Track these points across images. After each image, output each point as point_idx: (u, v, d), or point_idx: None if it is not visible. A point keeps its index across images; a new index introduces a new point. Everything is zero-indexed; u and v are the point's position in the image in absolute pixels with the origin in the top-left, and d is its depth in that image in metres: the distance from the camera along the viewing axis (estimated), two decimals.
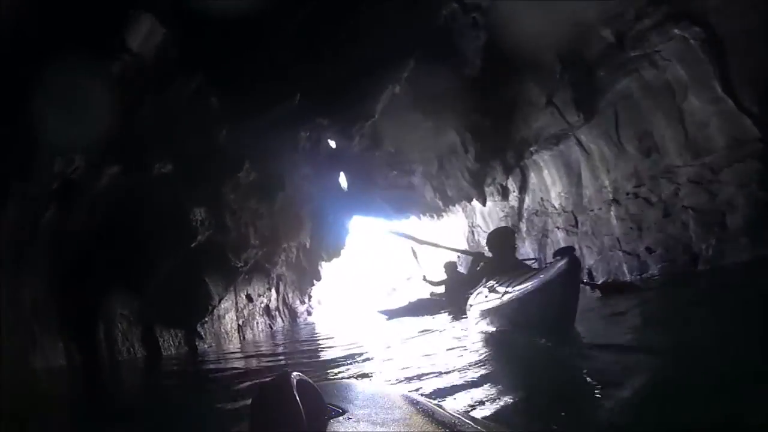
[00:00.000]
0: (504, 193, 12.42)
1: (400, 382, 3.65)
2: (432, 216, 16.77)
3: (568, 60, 8.26)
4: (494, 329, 5.47)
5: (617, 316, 5.31)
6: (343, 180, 15.27)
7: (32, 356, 6.12)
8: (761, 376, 2.35)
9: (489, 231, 14.09)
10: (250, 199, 9.46)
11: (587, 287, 7.69)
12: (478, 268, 6.79)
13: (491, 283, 5.65)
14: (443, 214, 16.40)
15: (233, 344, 9.89)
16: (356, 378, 4.13)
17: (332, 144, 12.98)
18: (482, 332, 5.78)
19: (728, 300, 4.89)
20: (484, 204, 12.72)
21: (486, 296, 5.65)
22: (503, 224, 12.72)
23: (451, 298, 11.46)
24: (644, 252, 8.20)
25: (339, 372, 4.69)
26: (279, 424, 0.84)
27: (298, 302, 16.88)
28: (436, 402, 1.23)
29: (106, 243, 6.92)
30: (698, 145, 7.25)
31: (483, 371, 3.63)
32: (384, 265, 34.02)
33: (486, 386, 3.08)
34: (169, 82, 7.00)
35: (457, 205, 15.18)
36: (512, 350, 4.59)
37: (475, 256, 7.38)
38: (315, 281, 17.66)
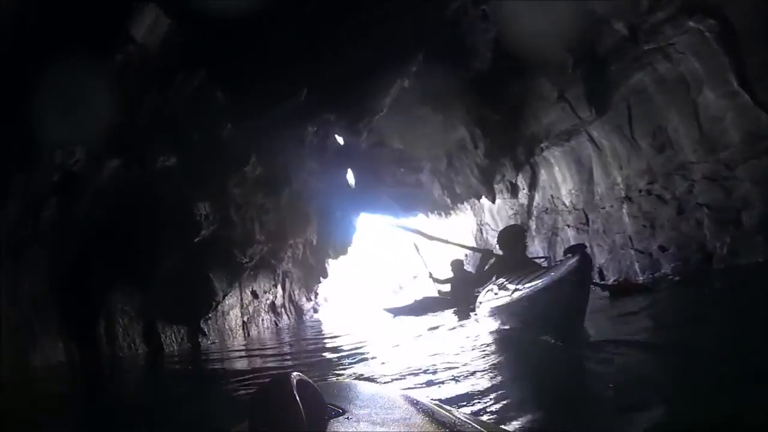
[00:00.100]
0: (513, 191, 12.26)
1: (406, 383, 3.56)
2: (440, 214, 16.66)
3: (580, 54, 8.10)
4: (503, 327, 5.42)
5: (627, 317, 5.21)
6: (350, 177, 15.17)
7: (32, 353, 6.05)
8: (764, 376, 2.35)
9: (498, 229, 14.20)
10: (256, 193, 9.34)
11: (597, 287, 7.59)
12: (488, 266, 6.69)
13: (501, 280, 5.61)
14: (451, 212, 16.30)
15: (237, 341, 9.80)
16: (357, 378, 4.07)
17: (340, 140, 12.90)
18: (490, 330, 5.72)
19: (741, 301, 4.79)
20: (493, 201, 12.58)
21: (495, 294, 5.61)
22: (512, 222, 12.59)
23: (457, 297, 11.35)
24: (657, 251, 8.02)
25: (345, 373, 4.61)
26: (279, 424, 0.83)
27: (304, 299, 16.78)
28: (436, 402, 1.20)
29: (108, 237, 6.82)
30: (713, 141, 7.07)
31: (488, 372, 3.58)
32: (391, 264, 33.84)
33: (489, 386, 3.05)
34: (173, 75, 6.93)
35: (465, 203, 15.07)
36: (519, 349, 4.54)
37: (484, 253, 7.25)
38: (322, 278, 17.55)
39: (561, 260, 4.31)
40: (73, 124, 5.66)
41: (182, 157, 7.22)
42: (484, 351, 4.57)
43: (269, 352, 7.81)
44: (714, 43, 6.66)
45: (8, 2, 5.32)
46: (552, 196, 11.13)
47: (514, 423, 2.29)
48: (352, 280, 31.66)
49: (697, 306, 5.21)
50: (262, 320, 12.30)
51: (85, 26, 5.64)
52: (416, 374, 3.81)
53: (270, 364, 6.44)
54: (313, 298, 18.16)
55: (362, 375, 4.33)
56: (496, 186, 12.13)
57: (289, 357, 7.20)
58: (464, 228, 17.00)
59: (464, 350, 4.76)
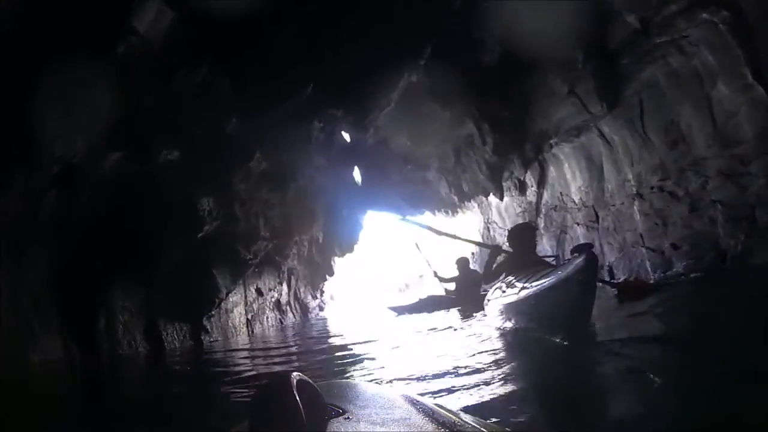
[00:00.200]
0: (521, 188, 12.12)
1: (407, 383, 3.56)
2: (447, 212, 16.53)
3: (591, 48, 7.94)
4: (510, 325, 5.37)
5: (635, 317, 5.16)
6: (357, 174, 15.09)
7: (31, 349, 5.96)
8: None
9: (505, 227, 14.12)
10: (261, 189, 9.24)
11: (606, 286, 7.46)
12: (497, 263, 6.69)
13: (510, 278, 5.63)
14: (458, 210, 16.18)
15: (241, 339, 9.71)
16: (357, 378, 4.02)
17: (346, 137, 12.81)
18: (496, 329, 5.70)
19: (753, 301, 4.63)
20: (501, 198, 12.43)
21: (503, 291, 5.62)
22: (520, 220, 12.49)
23: (463, 295, 11.29)
24: (669, 249, 7.84)
25: (348, 372, 4.60)
26: (279, 424, 0.84)
27: (309, 297, 16.70)
28: (436, 402, 1.21)
29: (109, 233, 6.72)
30: (727, 136, 6.88)
31: (489, 371, 3.56)
32: (397, 262, 33.81)
33: (490, 386, 3.08)
34: (177, 68, 6.86)
35: (472, 201, 14.96)
36: (524, 349, 4.54)
37: (493, 249, 7.33)
38: (328, 276, 17.48)
39: (568, 259, 4.27)
40: (74, 117, 5.65)
41: (185, 151, 7.14)
42: (486, 350, 4.53)
43: (273, 352, 7.64)
44: (728, 36, 6.47)
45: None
46: (561, 193, 10.96)
47: (515, 423, 2.29)
48: (359, 279, 31.74)
49: (709, 306, 5.09)
50: (267, 318, 12.21)
51: (87, 18, 5.59)
52: (418, 374, 3.78)
53: (273, 362, 6.35)
54: (318, 295, 18.10)
55: (366, 375, 4.27)
56: (504, 183, 11.97)
57: (293, 356, 7.09)
58: (471, 226, 16.89)
59: (466, 350, 4.72)
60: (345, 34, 8.14)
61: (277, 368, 5.56)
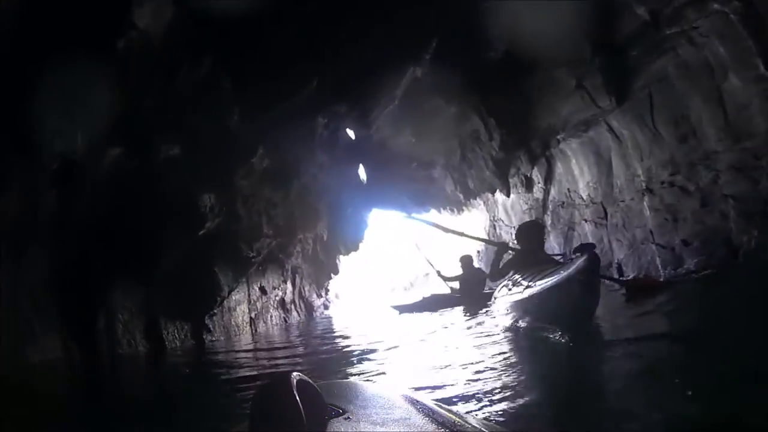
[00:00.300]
0: (528, 185, 11.97)
1: (408, 384, 3.46)
2: (452, 210, 16.44)
3: (599, 41, 7.78)
4: (515, 324, 5.36)
5: (642, 316, 5.10)
6: (362, 172, 15.05)
7: (30, 349, 5.86)
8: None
9: (512, 225, 14.01)
10: (264, 186, 9.14)
11: (615, 284, 7.35)
12: (504, 262, 6.70)
13: (516, 276, 5.68)
14: (464, 208, 16.10)
15: (244, 338, 9.60)
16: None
17: (351, 134, 12.74)
18: (499, 328, 5.70)
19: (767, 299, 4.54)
20: (508, 195, 12.28)
21: (509, 290, 5.68)
22: (527, 217, 12.47)
23: (466, 294, 11.21)
24: (679, 245, 7.66)
25: (352, 372, 4.58)
26: (279, 424, 0.84)
27: (314, 296, 16.63)
28: (436, 402, 1.22)
29: (109, 230, 6.61)
30: (739, 129, 6.67)
31: (490, 371, 3.56)
32: (403, 261, 33.70)
33: (490, 386, 3.07)
34: (179, 63, 6.80)
35: (478, 198, 14.88)
36: (526, 348, 4.55)
37: (499, 246, 7.33)
38: (332, 275, 17.44)
39: (571, 259, 4.34)
40: (74, 114, 5.61)
41: (186, 148, 7.06)
42: (489, 350, 4.52)
43: (278, 354, 7.55)
44: (739, 26, 6.26)
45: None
46: (568, 189, 10.80)
47: (515, 423, 2.31)
48: (364, 277, 31.72)
49: (718, 304, 4.99)
50: (271, 317, 12.11)
51: (87, 13, 5.52)
52: (420, 375, 3.82)
53: (275, 363, 6.26)
54: (323, 294, 18.03)
55: (370, 376, 4.20)
56: (510, 180, 11.81)
57: (296, 357, 6.99)
58: (477, 224, 16.79)
59: (468, 349, 4.73)
60: (348, 29, 8.07)
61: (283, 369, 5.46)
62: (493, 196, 13.93)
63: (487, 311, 8.09)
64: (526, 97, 9.16)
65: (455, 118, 10.87)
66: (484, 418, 1.51)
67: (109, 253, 6.66)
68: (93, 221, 6.49)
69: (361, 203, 15.77)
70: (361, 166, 14.69)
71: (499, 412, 2.49)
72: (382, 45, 8.39)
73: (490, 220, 16.03)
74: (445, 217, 17.07)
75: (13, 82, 5.22)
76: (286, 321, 13.11)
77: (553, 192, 11.54)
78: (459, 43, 8.71)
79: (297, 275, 14.46)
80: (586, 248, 4.11)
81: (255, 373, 5.49)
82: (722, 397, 2.24)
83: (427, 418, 1.02)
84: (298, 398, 0.85)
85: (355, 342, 6.86)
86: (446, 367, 3.92)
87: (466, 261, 12.40)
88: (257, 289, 11.35)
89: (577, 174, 10.34)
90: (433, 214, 17.09)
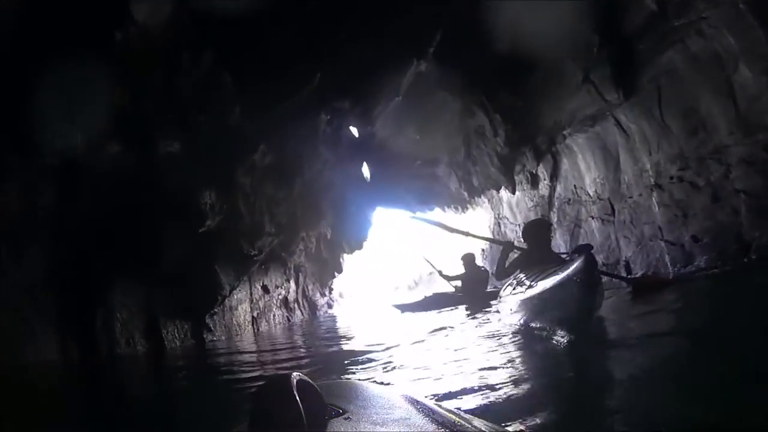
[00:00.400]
0: (533, 181, 11.83)
1: (409, 385, 3.51)
2: (457, 208, 16.36)
3: (606, 33, 7.63)
4: (516, 324, 5.34)
5: (649, 315, 4.98)
6: (365, 170, 14.99)
7: (27, 349, 5.78)
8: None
9: (517, 223, 13.89)
10: (266, 183, 9.04)
11: (623, 282, 7.24)
12: (511, 261, 6.61)
13: (521, 275, 5.69)
14: (468, 206, 16.01)
15: (246, 337, 9.48)
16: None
17: (354, 132, 12.67)
18: (500, 328, 5.68)
19: None
20: (513, 192, 12.14)
21: (514, 289, 5.70)
22: (532, 215, 12.35)
23: (469, 293, 11.11)
24: (689, 241, 7.49)
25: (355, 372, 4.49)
26: (279, 424, 0.84)
27: (318, 294, 16.56)
28: (436, 402, 1.22)
29: (109, 228, 6.54)
30: (750, 121, 6.52)
31: (490, 372, 3.53)
32: (407, 259, 33.68)
33: (490, 386, 3.04)
34: (179, 58, 6.77)
35: (482, 196, 14.76)
36: (525, 348, 4.49)
37: (505, 245, 7.17)
38: (336, 273, 17.37)
39: (569, 260, 4.38)
40: (73, 110, 5.57)
41: (186, 144, 6.98)
42: (487, 350, 4.50)
43: (282, 355, 7.43)
44: (748, 16, 6.13)
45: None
46: (575, 185, 10.64)
47: (515, 423, 2.28)
48: (368, 276, 31.75)
49: (727, 302, 4.85)
50: (274, 316, 12.01)
51: (86, 7, 5.50)
52: (422, 376, 3.77)
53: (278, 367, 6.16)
54: (327, 293, 17.97)
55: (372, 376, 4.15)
56: (515, 177, 11.70)
57: (297, 358, 6.87)
58: (482, 222, 16.69)
59: (467, 350, 4.69)
60: (349, 24, 7.99)
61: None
62: (498, 193, 13.80)
63: (489, 310, 8.06)
64: (532, 91, 9.01)
65: (460, 113, 10.73)
66: (484, 418, 1.43)
67: (109, 251, 6.58)
68: (92, 219, 6.43)
69: (365, 201, 15.75)
70: (364, 164, 14.65)
71: (499, 412, 2.48)
72: (386, 40, 8.30)
73: (495, 218, 15.90)
74: (449, 216, 17.02)
75: (12, 81, 5.23)
76: (289, 320, 13.01)
77: (559, 188, 11.38)
78: (463, 37, 8.59)
79: (300, 274, 14.38)
80: (583, 249, 4.17)
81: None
82: (723, 398, 2.22)
83: (427, 418, 1.02)
84: (298, 398, 0.85)
85: (357, 343, 6.77)
86: (445, 368, 3.88)
87: (468, 259, 12.28)
88: (259, 287, 11.25)
89: (583, 170, 10.17)
90: (437, 213, 17.06)
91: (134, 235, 6.76)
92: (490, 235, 15.99)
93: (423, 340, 5.97)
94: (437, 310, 10.28)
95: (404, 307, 11.89)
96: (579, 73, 8.19)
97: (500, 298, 6.60)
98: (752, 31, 6.17)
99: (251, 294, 10.69)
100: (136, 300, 7.26)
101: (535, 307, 4.84)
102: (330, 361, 5.54)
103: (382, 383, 3.28)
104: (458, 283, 12.25)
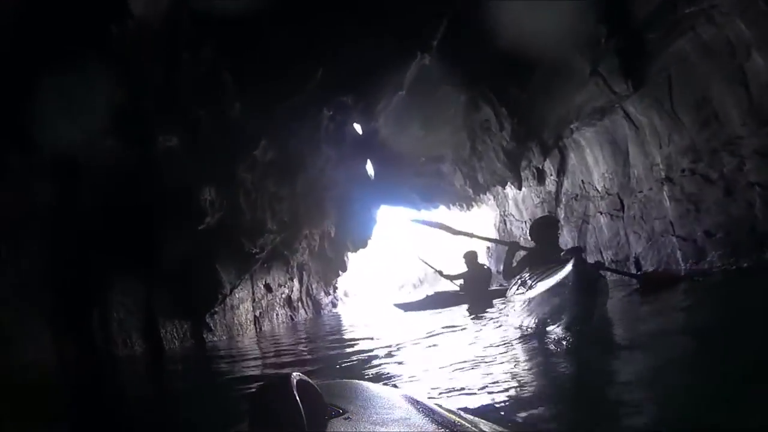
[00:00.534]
0: (540, 177, 11.66)
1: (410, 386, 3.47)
2: (461, 206, 16.21)
3: (615, 22, 7.44)
4: (519, 324, 5.31)
5: (656, 316, 4.91)
6: (369, 168, 14.90)
7: (23, 348, 5.65)
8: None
9: (523, 220, 13.73)
10: (267, 180, 8.89)
11: (633, 279, 7.09)
12: (519, 260, 6.45)
13: (526, 275, 5.65)
14: (473, 203, 15.87)
15: (247, 337, 9.34)
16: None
17: (358, 129, 12.56)
18: (501, 328, 5.71)
19: None
20: (519, 188, 11.96)
21: (517, 289, 5.72)
22: (539, 211, 12.22)
23: (471, 291, 10.96)
24: (702, 236, 7.30)
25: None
26: (279, 424, 0.85)
27: (322, 293, 16.46)
28: (436, 402, 1.21)
29: (107, 224, 6.42)
30: (764, 111, 6.33)
31: (489, 372, 3.51)
32: (412, 257, 33.60)
33: (489, 386, 3.02)
34: (179, 52, 6.71)
35: (488, 193, 14.60)
36: (525, 349, 4.43)
37: (510, 245, 7.08)
38: (341, 272, 17.26)
39: (562, 262, 4.33)
40: (72, 107, 5.50)
41: (186, 138, 6.87)
42: (488, 351, 4.44)
43: (287, 358, 7.31)
44: (761, 2, 5.92)
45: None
46: (582, 181, 10.45)
47: (515, 423, 2.28)
48: (374, 274, 31.71)
49: (739, 301, 4.70)
50: (277, 315, 11.88)
51: (81, 1, 5.43)
52: (420, 376, 3.77)
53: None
54: (331, 292, 17.86)
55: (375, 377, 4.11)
56: (521, 173, 11.51)
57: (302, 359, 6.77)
58: (487, 220, 16.56)
59: (467, 350, 4.66)
60: (354, 16, 7.84)
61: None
62: (504, 189, 13.64)
63: (492, 310, 7.91)
64: (539, 84, 8.82)
65: (465, 107, 10.57)
66: (484, 418, 1.34)
67: (107, 249, 6.46)
68: (91, 217, 6.34)
69: (369, 199, 15.66)
70: (368, 161, 14.55)
71: (499, 412, 2.46)
72: (389, 33, 8.17)
73: (501, 215, 15.74)
74: (454, 214, 16.90)
75: (9, 78, 5.17)
76: (292, 319, 12.89)
77: (566, 184, 11.20)
78: (467, 29, 8.42)
79: (304, 272, 14.26)
80: (573, 252, 4.24)
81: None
82: (724, 398, 2.21)
83: (427, 418, 1.02)
84: (298, 398, 0.85)
85: (358, 343, 6.67)
86: (446, 367, 3.81)
87: (470, 257, 12.11)
88: (262, 286, 11.11)
89: (591, 164, 9.99)
90: (442, 210, 16.94)
91: (133, 232, 6.63)
92: (495, 234, 15.89)
93: (423, 340, 5.90)
94: (439, 310, 10.13)
95: (406, 307, 11.76)
96: (587, 64, 8.01)
97: (507, 297, 6.52)
98: (765, 18, 5.98)
99: (253, 293, 10.54)
100: (134, 299, 7.09)
101: (534, 308, 4.84)
102: (331, 360, 5.42)
103: (382, 383, 3.17)
104: (461, 281, 12.08)
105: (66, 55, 5.17)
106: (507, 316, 6.24)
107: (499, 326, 5.88)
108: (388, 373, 4.07)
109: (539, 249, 6.21)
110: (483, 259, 14.75)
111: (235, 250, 8.59)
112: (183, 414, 3.70)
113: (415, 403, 1.12)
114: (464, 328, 6.60)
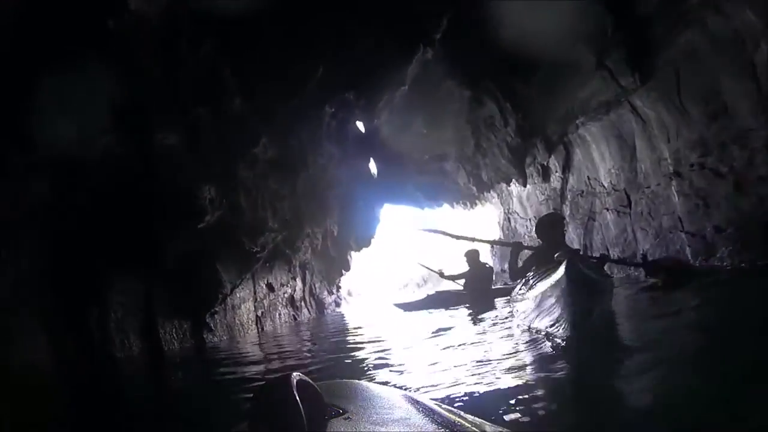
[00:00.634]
0: (545, 174, 11.53)
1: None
2: (465, 204, 16.14)
3: (621, 14, 7.34)
4: (521, 325, 5.30)
5: (665, 317, 4.76)
6: (372, 166, 14.83)
7: (19, 349, 5.55)
8: None
9: (527, 217, 13.62)
10: (269, 177, 8.78)
11: (646, 272, 7.07)
12: (525, 259, 6.38)
13: (529, 275, 5.66)
14: (477, 201, 15.80)
15: (249, 337, 9.23)
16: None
17: (360, 126, 12.49)
18: (501, 328, 5.67)
19: None
20: (524, 185, 11.83)
21: (520, 289, 5.78)
22: (544, 208, 12.12)
23: (473, 291, 10.86)
24: (711, 232, 7.15)
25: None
26: (279, 424, 0.85)
27: (325, 293, 16.35)
28: (436, 402, 1.22)
29: (104, 223, 6.32)
30: None
31: (488, 372, 3.48)
32: (416, 257, 33.54)
33: (488, 386, 3.04)
34: (177, 47, 6.63)
35: (492, 191, 14.52)
36: (529, 348, 4.36)
37: (514, 246, 6.93)
38: (344, 271, 17.16)
39: (557, 263, 4.29)
40: (68, 101, 5.40)
41: (185, 135, 6.78)
42: (488, 351, 4.50)
43: (290, 361, 7.22)
44: None
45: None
46: (588, 177, 10.32)
47: (515, 423, 2.29)
48: (377, 273, 31.68)
49: (750, 301, 4.55)
50: (279, 314, 11.77)
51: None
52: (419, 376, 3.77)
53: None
54: (335, 291, 17.78)
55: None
56: (526, 170, 11.38)
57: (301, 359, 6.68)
58: (491, 219, 16.49)
59: (467, 350, 4.65)
60: (356, 9, 7.74)
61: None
62: (508, 187, 13.52)
63: (494, 310, 7.86)
64: (544, 78, 8.71)
65: (468, 103, 10.47)
66: (484, 418, 1.27)
67: (103, 246, 6.37)
68: (88, 215, 6.24)
69: (372, 198, 15.59)
70: (371, 159, 14.47)
71: (499, 412, 2.45)
72: (391, 26, 8.09)
73: (505, 213, 15.63)
74: (458, 212, 16.80)
75: (7, 77, 5.06)
76: (295, 319, 12.78)
77: (571, 180, 11.06)
78: (471, 22, 8.33)
79: (307, 272, 14.15)
80: (568, 253, 4.22)
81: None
82: (724, 398, 2.21)
83: (427, 418, 1.03)
84: (298, 398, 0.85)
85: (358, 343, 6.65)
86: (446, 368, 3.84)
87: (471, 256, 11.96)
88: (264, 286, 10.99)
89: (597, 160, 9.85)
90: (445, 209, 16.86)
91: (132, 231, 6.54)
92: (499, 232, 15.82)
93: (424, 340, 5.85)
94: (440, 310, 10.02)
95: (406, 307, 11.66)
96: (592, 57, 7.89)
97: (511, 297, 6.54)
98: None
99: (255, 292, 10.43)
100: (133, 298, 6.96)
101: (534, 308, 4.80)
102: (333, 360, 5.36)
103: (382, 383, 3.09)
104: (463, 281, 11.97)
105: (64, 52, 5.10)
106: (509, 315, 6.21)
107: (500, 326, 5.84)
108: (388, 373, 4.03)
109: (545, 247, 6.08)
110: (486, 257, 14.64)
111: (235, 249, 8.48)
112: (183, 414, 3.66)
113: (415, 403, 1.13)
114: (465, 328, 6.55)
